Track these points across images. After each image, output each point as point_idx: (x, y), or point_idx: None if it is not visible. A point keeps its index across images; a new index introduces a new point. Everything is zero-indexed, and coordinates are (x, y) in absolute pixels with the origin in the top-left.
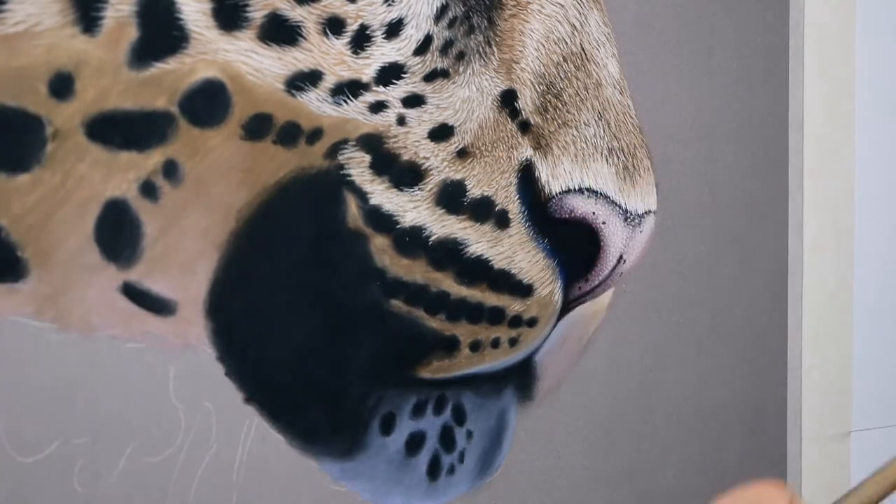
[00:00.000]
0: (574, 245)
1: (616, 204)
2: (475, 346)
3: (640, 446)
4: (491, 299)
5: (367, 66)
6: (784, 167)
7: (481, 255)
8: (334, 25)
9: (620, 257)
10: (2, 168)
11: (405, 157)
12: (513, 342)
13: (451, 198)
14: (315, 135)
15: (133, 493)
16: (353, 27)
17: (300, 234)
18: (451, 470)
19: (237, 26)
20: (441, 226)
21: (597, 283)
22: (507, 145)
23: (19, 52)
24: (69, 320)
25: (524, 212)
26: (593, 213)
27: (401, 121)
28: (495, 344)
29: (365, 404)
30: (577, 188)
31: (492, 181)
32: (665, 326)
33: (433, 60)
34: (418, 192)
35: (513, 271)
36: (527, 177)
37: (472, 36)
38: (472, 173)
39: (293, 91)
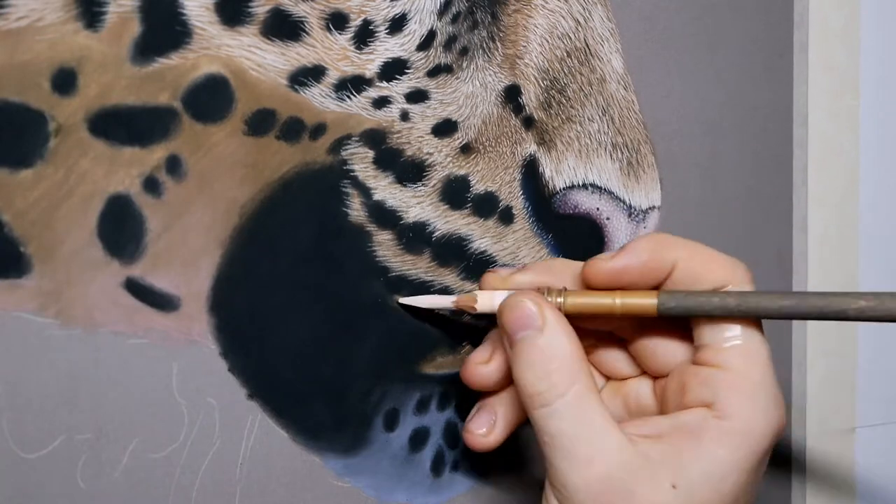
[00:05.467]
0: (578, 241)
1: (620, 199)
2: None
3: None
4: None
5: (370, 62)
6: (788, 162)
7: (485, 251)
8: (337, 21)
9: None
10: (4, 164)
11: (409, 153)
12: None
13: (455, 193)
14: (318, 130)
15: (136, 489)
16: (356, 22)
17: (303, 229)
18: (455, 466)
19: (240, 21)
20: (445, 221)
21: None
22: (511, 141)
23: (22, 48)
24: (72, 316)
25: (528, 207)
26: (597, 209)
27: (404, 116)
28: None
29: (368, 400)
30: (581, 184)
31: (496, 177)
32: None
33: (437, 56)
34: (422, 187)
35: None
36: (531, 172)
37: (476, 31)
38: (476, 169)
39: (296, 86)
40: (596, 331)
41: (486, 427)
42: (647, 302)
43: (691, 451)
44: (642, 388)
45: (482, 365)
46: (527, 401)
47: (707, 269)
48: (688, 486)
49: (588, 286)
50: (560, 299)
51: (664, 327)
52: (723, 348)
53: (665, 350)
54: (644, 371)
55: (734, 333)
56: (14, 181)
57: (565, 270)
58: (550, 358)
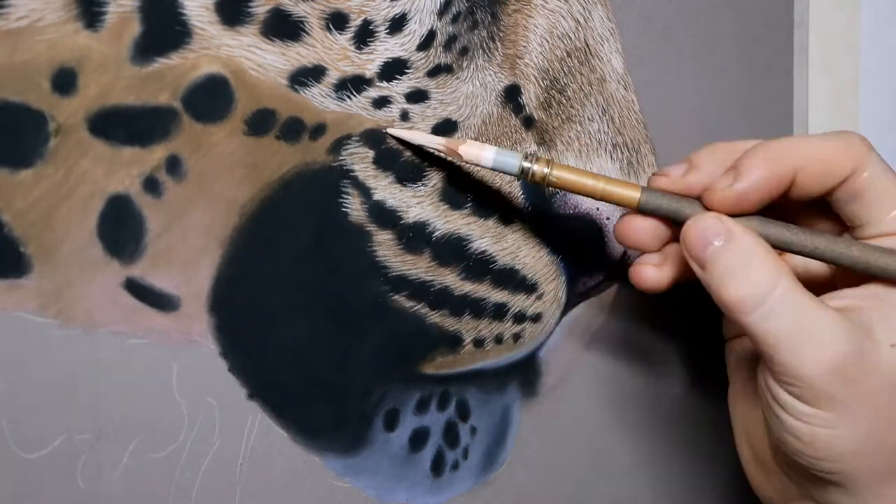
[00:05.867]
0: (578, 241)
1: None
2: (479, 342)
3: (645, 442)
4: (495, 295)
5: (370, 62)
6: None
7: (485, 251)
8: (337, 21)
9: (625, 253)
10: (4, 164)
11: (409, 153)
12: (517, 338)
13: (455, 193)
14: (318, 130)
15: (136, 489)
16: (356, 22)
17: (303, 229)
18: (455, 466)
19: (240, 21)
20: (445, 221)
21: (601, 278)
22: (511, 141)
23: (22, 48)
24: (72, 316)
25: (528, 207)
26: (597, 209)
27: (404, 116)
28: (499, 340)
29: (368, 400)
30: None
31: (496, 176)
32: (670, 321)
33: (437, 56)
34: (422, 187)
35: (517, 267)
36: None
37: (476, 31)
38: (477, 169)
39: (296, 86)
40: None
41: (656, 265)
42: (628, 194)
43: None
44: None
45: (653, 267)
46: (737, 310)
47: (830, 169)
48: None
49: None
50: (546, 170)
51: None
52: (884, 221)
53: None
54: None
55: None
56: (14, 181)
57: (726, 161)
58: (748, 259)
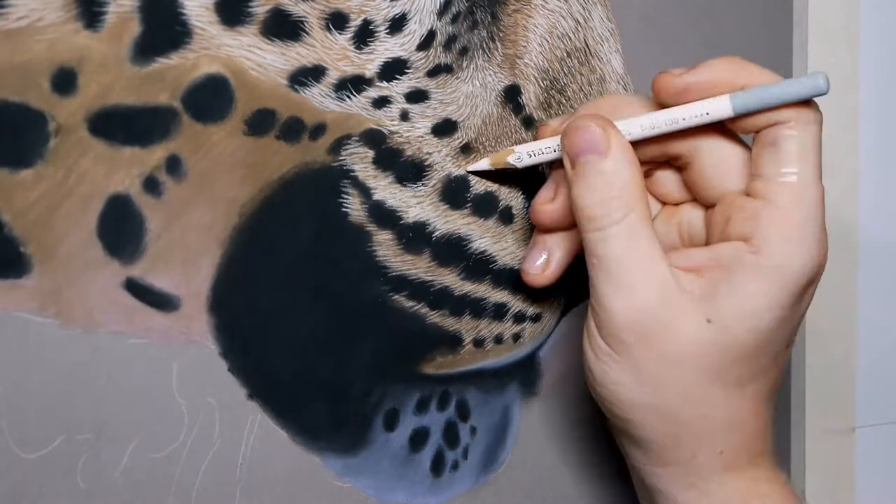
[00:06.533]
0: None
1: None
2: (479, 342)
3: None
4: (495, 295)
5: (370, 62)
6: None
7: (485, 251)
8: (337, 20)
9: None
10: (4, 164)
11: (409, 153)
12: (516, 338)
13: (455, 193)
14: (318, 130)
15: (136, 489)
16: (356, 22)
17: (303, 229)
18: (455, 466)
19: (240, 21)
20: (445, 221)
21: None
22: (511, 140)
23: (22, 48)
24: (72, 316)
25: (528, 207)
26: None
27: (404, 116)
28: (499, 339)
29: (368, 400)
30: None
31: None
32: None
33: (436, 56)
34: (422, 187)
35: (517, 267)
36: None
37: (476, 31)
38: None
39: (296, 86)
40: (653, 157)
41: (541, 265)
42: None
43: (725, 286)
44: (694, 216)
45: (548, 204)
46: (582, 223)
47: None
48: (721, 321)
49: (658, 98)
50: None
51: (720, 151)
52: (775, 182)
53: (718, 176)
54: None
55: (791, 170)
56: (14, 181)
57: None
58: (611, 184)
